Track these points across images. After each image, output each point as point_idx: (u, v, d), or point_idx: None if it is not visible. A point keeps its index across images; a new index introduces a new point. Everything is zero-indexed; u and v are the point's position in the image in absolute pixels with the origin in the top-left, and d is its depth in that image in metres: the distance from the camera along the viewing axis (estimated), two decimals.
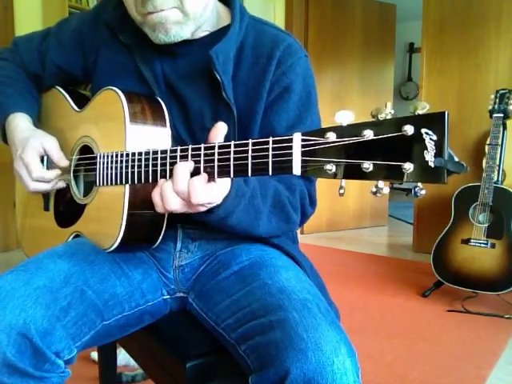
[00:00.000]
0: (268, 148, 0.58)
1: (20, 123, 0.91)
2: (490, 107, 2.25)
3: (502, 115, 2.21)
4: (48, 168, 0.89)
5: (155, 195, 0.66)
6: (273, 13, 3.89)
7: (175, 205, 0.64)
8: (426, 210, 3.14)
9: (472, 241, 2.17)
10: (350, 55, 4.02)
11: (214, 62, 0.79)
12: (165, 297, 0.89)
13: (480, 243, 2.14)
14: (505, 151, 2.25)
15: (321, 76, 3.80)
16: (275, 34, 0.86)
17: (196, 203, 0.63)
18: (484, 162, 2.22)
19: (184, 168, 0.63)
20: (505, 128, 2.23)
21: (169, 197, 0.64)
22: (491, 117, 2.24)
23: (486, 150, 2.22)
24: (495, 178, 2.17)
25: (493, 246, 2.12)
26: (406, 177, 0.48)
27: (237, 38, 0.84)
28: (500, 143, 2.20)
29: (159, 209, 0.66)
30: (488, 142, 2.24)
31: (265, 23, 0.89)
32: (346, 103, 3.94)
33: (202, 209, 0.66)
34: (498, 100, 2.24)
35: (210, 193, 0.63)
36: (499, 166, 2.22)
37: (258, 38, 0.85)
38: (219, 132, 0.64)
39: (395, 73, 4.59)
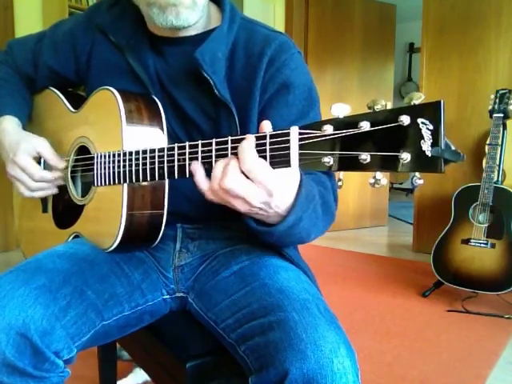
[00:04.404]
0: (265, 142, 0.58)
1: (7, 126, 0.91)
2: (490, 107, 2.25)
3: (502, 115, 2.21)
4: (45, 169, 0.89)
5: (217, 169, 0.61)
6: (273, 13, 3.89)
7: (236, 183, 0.59)
8: (426, 210, 3.13)
9: (472, 241, 2.16)
10: (349, 55, 4.02)
11: (200, 64, 0.79)
12: (164, 297, 0.89)
13: (480, 243, 2.14)
14: (505, 151, 2.25)
15: (321, 76, 3.80)
16: (266, 34, 0.85)
17: (260, 181, 0.59)
18: (484, 162, 2.22)
19: (250, 145, 0.59)
20: (505, 128, 2.22)
21: (233, 174, 0.59)
22: (491, 117, 2.23)
23: (486, 150, 2.22)
24: (495, 178, 2.17)
25: (493, 246, 2.11)
26: (403, 167, 0.48)
27: (227, 38, 0.83)
28: (500, 143, 2.20)
29: (215, 187, 0.61)
30: (488, 141, 2.24)
31: (256, 24, 0.89)
32: (346, 103, 3.93)
33: (260, 195, 0.60)
34: (498, 100, 2.24)
35: (273, 174, 0.59)
36: (499, 165, 2.22)
37: (250, 38, 0.85)
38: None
39: (395, 73, 4.59)
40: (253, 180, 0.59)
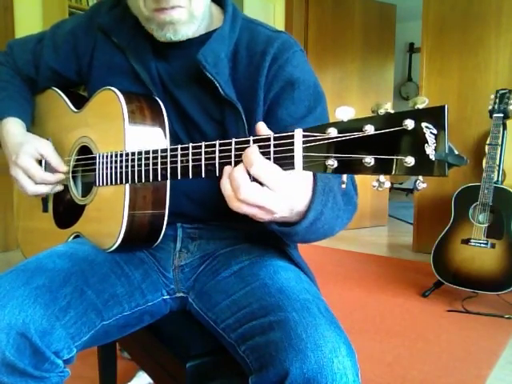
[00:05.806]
0: (269, 145, 0.58)
1: (11, 128, 0.91)
2: (490, 107, 2.25)
3: (502, 115, 2.21)
4: (46, 171, 0.89)
5: (225, 185, 0.60)
6: (273, 13, 3.89)
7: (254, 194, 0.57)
8: (426, 210, 3.13)
9: (472, 241, 2.16)
10: (349, 55, 4.02)
11: (204, 65, 0.78)
12: (165, 297, 0.89)
13: (480, 243, 2.14)
14: (505, 151, 2.25)
15: (321, 76, 3.80)
16: (269, 34, 0.85)
17: (274, 184, 0.57)
18: (484, 162, 2.22)
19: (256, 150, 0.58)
20: (505, 128, 2.22)
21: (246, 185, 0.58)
22: (491, 117, 2.24)
23: (486, 150, 2.22)
24: (495, 178, 2.17)
25: (493, 246, 2.11)
26: (407, 170, 0.48)
27: (229, 39, 0.83)
28: (500, 143, 2.20)
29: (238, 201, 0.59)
30: (488, 141, 2.24)
31: (259, 24, 0.89)
32: (346, 103, 3.89)
33: (280, 199, 0.58)
34: (498, 100, 2.24)
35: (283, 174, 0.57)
36: (499, 166, 2.22)
37: (252, 38, 0.84)
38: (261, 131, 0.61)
39: (395, 73, 4.59)
40: (267, 185, 0.58)
